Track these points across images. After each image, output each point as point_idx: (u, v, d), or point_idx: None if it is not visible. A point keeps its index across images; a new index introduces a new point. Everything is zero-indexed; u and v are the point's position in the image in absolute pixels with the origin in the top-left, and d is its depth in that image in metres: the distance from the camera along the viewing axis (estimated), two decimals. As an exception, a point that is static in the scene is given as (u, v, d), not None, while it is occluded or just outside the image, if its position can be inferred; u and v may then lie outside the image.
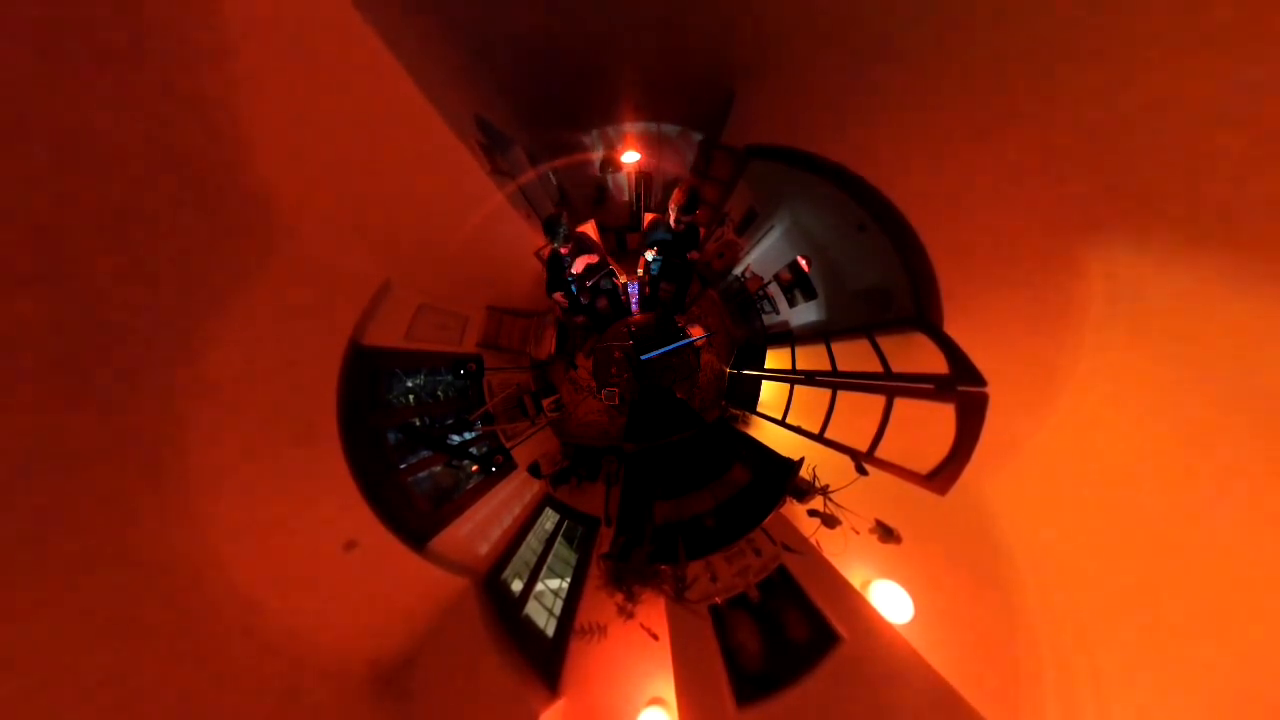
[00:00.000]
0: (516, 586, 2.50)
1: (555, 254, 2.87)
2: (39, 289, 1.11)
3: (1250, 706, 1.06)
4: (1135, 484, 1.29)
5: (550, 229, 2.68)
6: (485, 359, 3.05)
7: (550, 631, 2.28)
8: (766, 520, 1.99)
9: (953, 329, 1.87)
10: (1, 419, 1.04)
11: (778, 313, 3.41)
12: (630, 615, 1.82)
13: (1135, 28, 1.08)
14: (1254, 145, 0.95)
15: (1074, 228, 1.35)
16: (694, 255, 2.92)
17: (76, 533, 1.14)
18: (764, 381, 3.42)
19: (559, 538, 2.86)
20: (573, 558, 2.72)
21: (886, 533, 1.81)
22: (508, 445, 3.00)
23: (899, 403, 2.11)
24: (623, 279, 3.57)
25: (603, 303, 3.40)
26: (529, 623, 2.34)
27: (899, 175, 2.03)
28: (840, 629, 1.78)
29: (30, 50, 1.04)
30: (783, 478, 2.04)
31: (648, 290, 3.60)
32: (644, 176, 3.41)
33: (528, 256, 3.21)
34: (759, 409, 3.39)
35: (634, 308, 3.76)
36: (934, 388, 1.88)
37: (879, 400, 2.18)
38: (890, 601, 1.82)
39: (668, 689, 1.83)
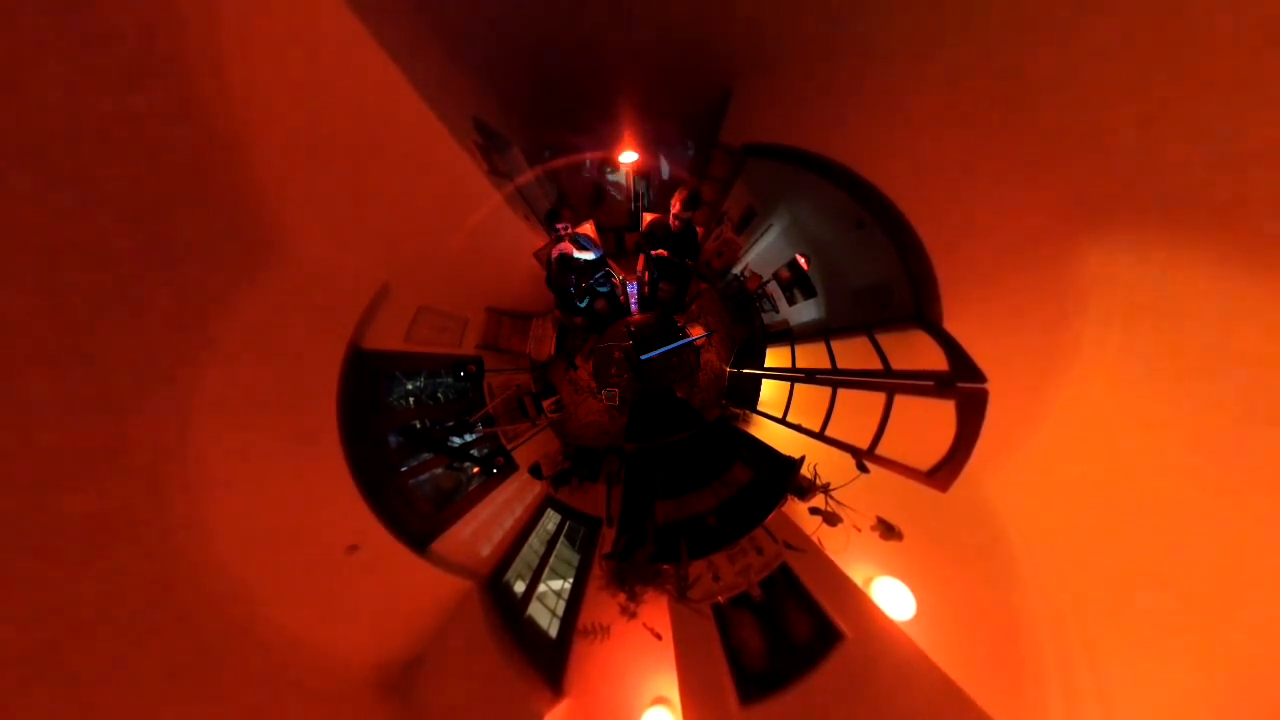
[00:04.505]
0: (519, 588, 2.50)
1: (560, 276, 2.88)
2: (40, 292, 1.11)
3: (1251, 699, 1.06)
4: (1136, 478, 1.29)
5: (551, 222, 2.68)
6: (485, 360, 3.05)
7: (553, 632, 2.28)
8: (768, 519, 1.99)
9: (952, 325, 1.87)
10: (2, 421, 1.04)
11: (777, 311, 3.41)
12: (633, 615, 1.82)
13: (1134, 26, 1.08)
14: (1253, 142, 0.95)
15: (1072, 223, 1.35)
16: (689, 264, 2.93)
17: (77, 536, 1.14)
18: (764, 380, 3.42)
19: (561, 538, 2.86)
20: (575, 558, 2.72)
21: (888, 530, 1.81)
22: (508, 447, 3.00)
23: (899, 400, 2.11)
24: (621, 279, 3.57)
25: (601, 303, 3.40)
26: (532, 624, 2.34)
27: (897, 172, 2.03)
28: (843, 626, 1.78)
29: (29, 53, 1.04)
30: (784, 476, 2.04)
31: (647, 290, 3.60)
32: (642, 176, 3.41)
33: (527, 257, 3.21)
34: (759, 407, 3.39)
35: (633, 308, 3.76)
36: (934, 384, 1.88)
37: (879, 398, 2.18)
38: (893, 598, 1.82)
39: (671, 688, 1.83)
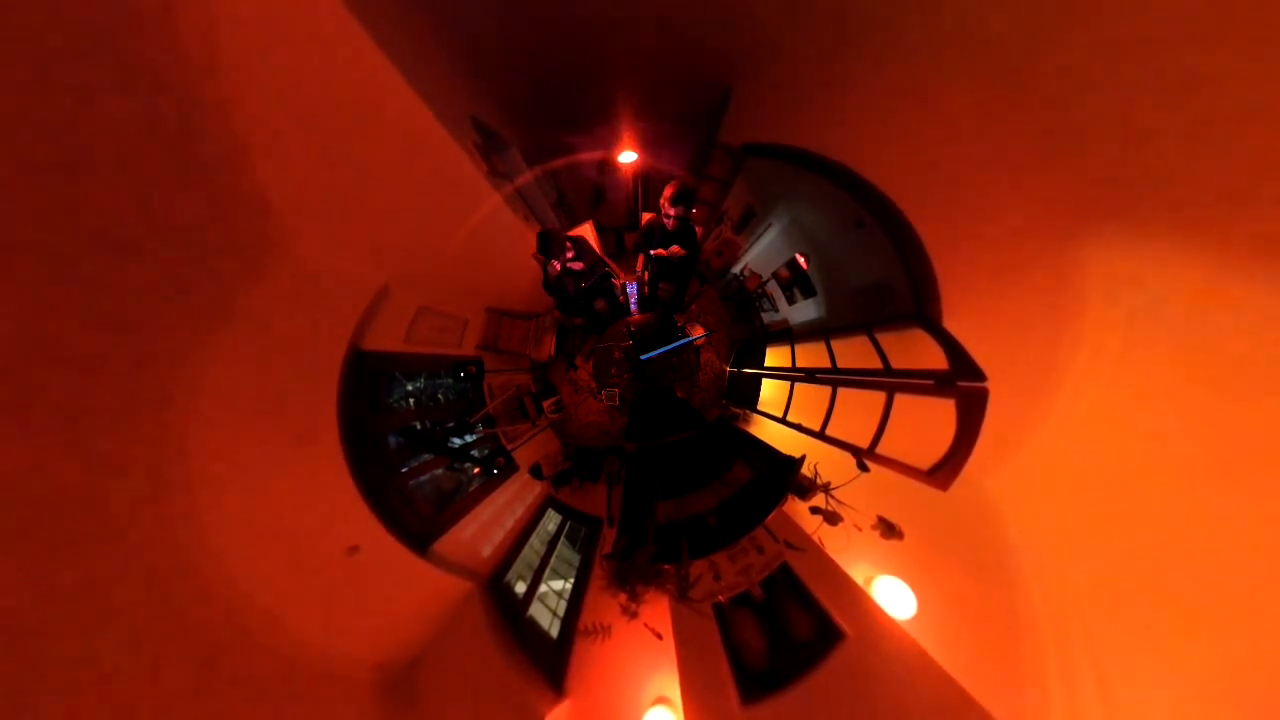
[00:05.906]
0: (520, 588, 2.50)
1: (559, 278, 2.88)
2: (39, 294, 1.11)
3: (1251, 697, 1.06)
4: (1136, 477, 1.29)
5: (544, 246, 2.65)
6: (485, 361, 3.05)
7: (554, 633, 2.28)
8: (769, 518, 1.99)
9: (952, 324, 1.87)
10: (2, 423, 1.04)
11: (777, 310, 3.42)
12: (634, 615, 1.82)
13: (1135, 25, 1.08)
14: (1252, 139, 0.95)
15: (1072, 221, 1.35)
16: (678, 250, 2.81)
17: (78, 538, 1.14)
18: (764, 379, 3.43)
19: (562, 539, 2.86)
20: (576, 559, 2.72)
21: (889, 529, 1.81)
22: (509, 447, 3.00)
23: (899, 399, 2.12)
24: (621, 279, 3.57)
25: (601, 303, 3.40)
26: (533, 624, 2.34)
27: (896, 171, 2.03)
28: (844, 626, 1.78)
29: (28, 54, 1.04)
30: (784, 475, 2.04)
31: (647, 290, 3.60)
32: (642, 176, 3.41)
33: (526, 258, 3.20)
34: (759, 407, 3.40)
35: (633, 308, 3.76)
36: (934, 383, 1.88)
37: (879, 397, 2.18)
38: (893, 597, 1.82)
39: (673, 688, 1.83)
